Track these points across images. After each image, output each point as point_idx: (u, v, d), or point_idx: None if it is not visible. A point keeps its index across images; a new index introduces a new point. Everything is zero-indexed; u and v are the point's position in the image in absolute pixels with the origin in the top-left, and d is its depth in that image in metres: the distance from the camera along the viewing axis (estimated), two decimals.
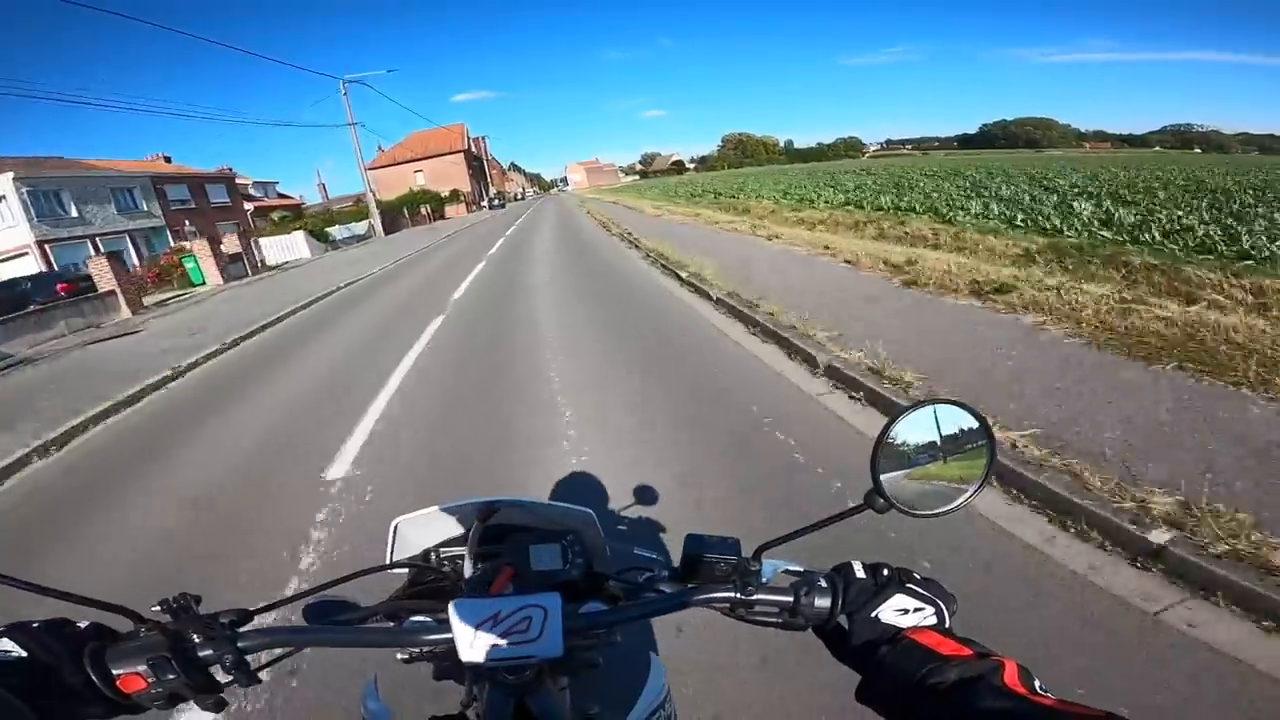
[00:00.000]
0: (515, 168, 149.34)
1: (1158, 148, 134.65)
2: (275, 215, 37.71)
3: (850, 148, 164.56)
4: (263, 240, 25.41)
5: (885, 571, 0.63)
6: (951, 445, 0.60)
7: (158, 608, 0.59)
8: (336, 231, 31.66)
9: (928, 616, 0.60)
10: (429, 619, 0.71)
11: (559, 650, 0.60)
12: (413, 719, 0.81)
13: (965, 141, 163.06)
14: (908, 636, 0.57)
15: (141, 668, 0.54)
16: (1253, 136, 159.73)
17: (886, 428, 0.59)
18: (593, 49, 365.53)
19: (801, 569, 0.68)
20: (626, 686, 0.81)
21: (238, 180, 38.73)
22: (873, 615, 0.60)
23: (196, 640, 0.58)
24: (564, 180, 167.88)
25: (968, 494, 0.60)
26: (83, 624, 0.57)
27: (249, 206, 37.93)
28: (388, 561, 0.82)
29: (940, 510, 0.61)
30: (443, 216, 49.46)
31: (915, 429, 0.60)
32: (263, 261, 22.54)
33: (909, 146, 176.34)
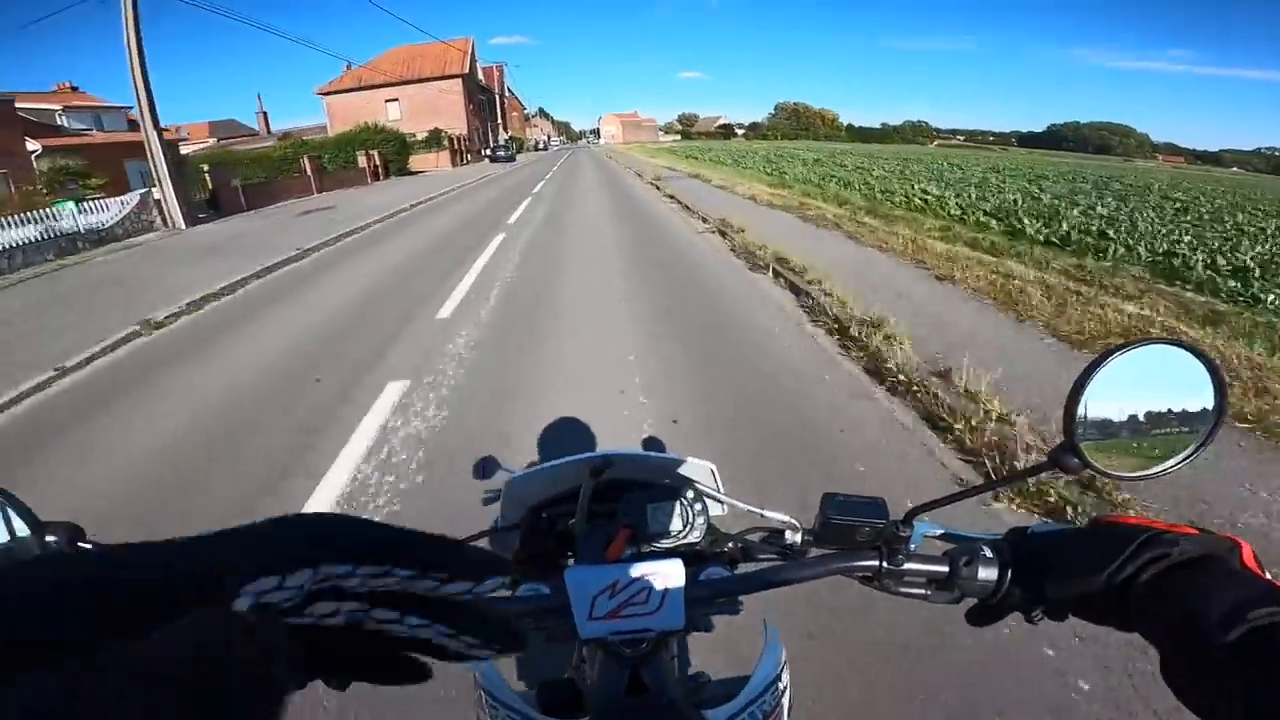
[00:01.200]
0: (543, 114, 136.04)
1: (1235, 169, 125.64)
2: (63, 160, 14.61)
3: (919, 133, 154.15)
4: None
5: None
6: (1168, 394, 0.50)
7: None
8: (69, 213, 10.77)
9: None
10: (543, 586, 0.66)
11: (680, 623, 0.58)
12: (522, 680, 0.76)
13: (1028, 140, 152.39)
14: (1111, 520, 0.50)
15: None
16: None
17: (1087, 373, 0.47)
18: (635, 3, 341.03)
19: (950, 531, 0.61)
20: (735, 648, 0.86)
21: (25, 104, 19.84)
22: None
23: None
24: (595, 133, 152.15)
25: (1184, 454, 0.49)
26: None
27: (35, 146, 17.32)
28: (499, 521, 0.81)
29: (1147, 473, 0.51)
30: (406, 171, 30.55)
31: (1123, 375, 0.48)
32: None
33: (960, 138, 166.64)
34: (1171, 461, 0.50)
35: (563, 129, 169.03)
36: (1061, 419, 0.48)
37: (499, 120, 60.28)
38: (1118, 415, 0.50)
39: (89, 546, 0.48)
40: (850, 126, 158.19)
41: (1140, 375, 0.49)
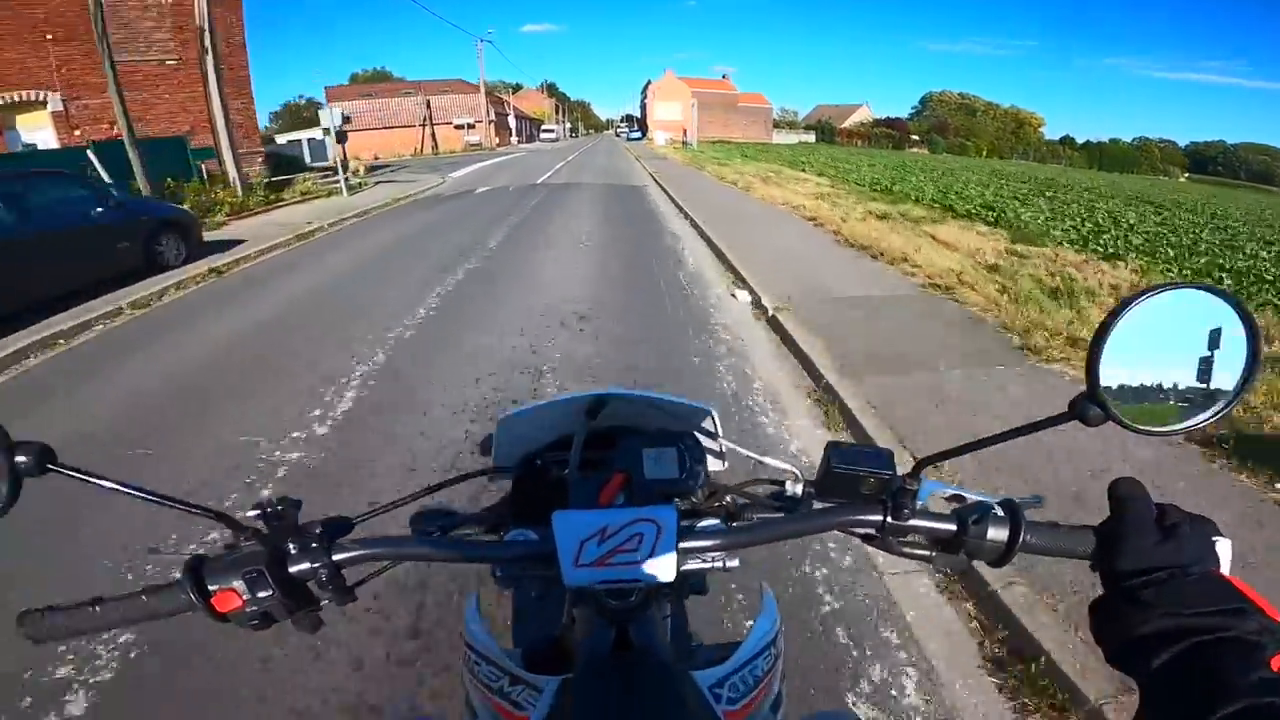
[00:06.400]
0: (550, 91, 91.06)
1: None
2: None
3: (1168, 160, 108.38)
4: None
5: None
6: (1195, 343, 0.47)
7: (253, 513, 0.56)
8: None
9: None
10: (531, 532, 0.64)
11: (670, 574, 0.55)
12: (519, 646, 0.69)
13: (1098, 160, 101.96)
14: (1212, 573, 0.47)
15: (237, 583, 0.52)
16: None
17: (1111, 318, 0.45)
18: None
19: (959, 490, 0.58)
20: (730, 614, 0.75)
21: None
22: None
23: (293, 551, 0.55)
24: (630, 120, 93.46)
25: (1213, 409, 0.47)
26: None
27: None
28: (491, 466, 0.79)
29: (1174, 428, 0.49)
30: None
31: (1150, 323, 0.45)
32: None
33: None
34: (1200, 417, 0.48)
35: (575, 110, 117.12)
36: (1085, 369, 0.46)
37: None
38: (1144, 365, 0.47)
39: (62, 469, 0.48)
40: (1067, 140, 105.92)
41: (1169, 324, 0.46)
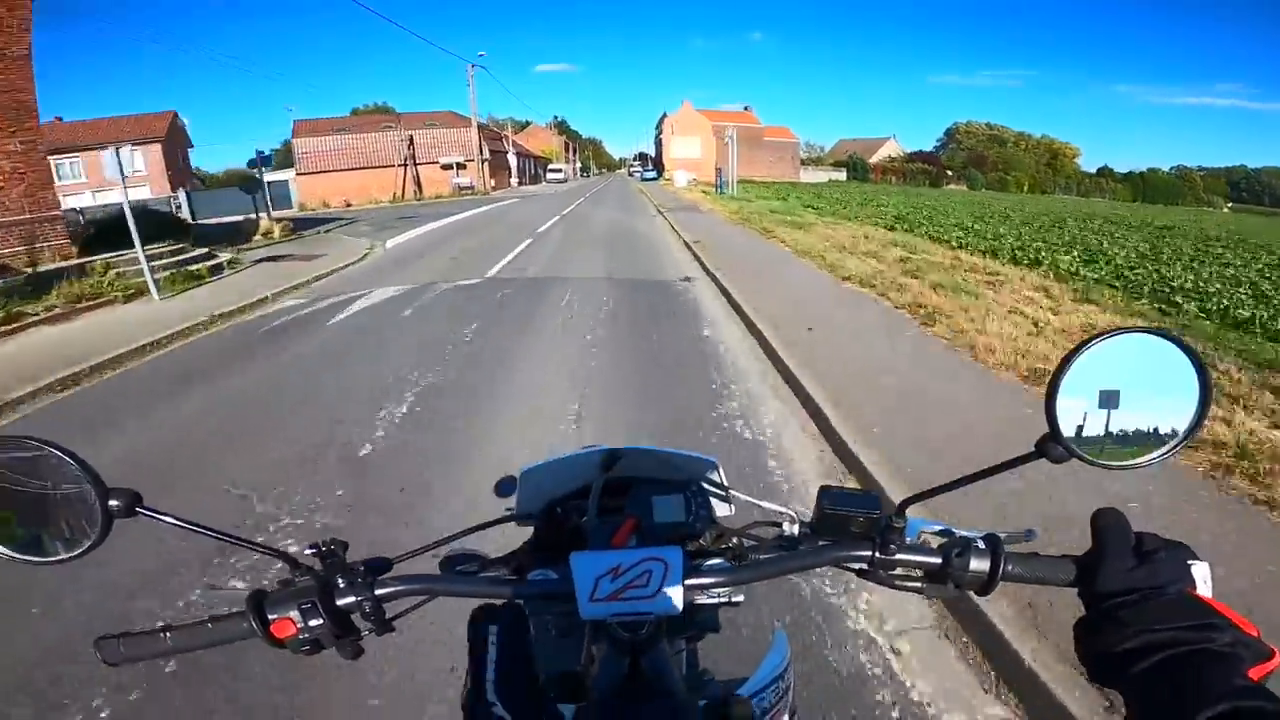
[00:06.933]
0: (560, 128, 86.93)
1: None
2: None
3: (1210, 189, 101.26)
4: None
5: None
6: (1151, 385, 0.51)
7: (310, 551, 0.62)
8: None
9: None
10: (551, 572, 0.69)
11: (678, 606, 0.60)
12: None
13: (1141, 191, 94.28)
14: (1188, 592, 0.50)
15: (293, 613, 0.58)
16: None
17: (1067, 360, 0.50)
18: (680, 36, 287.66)
19: (947, 527, 0.63)
20: (746, 655, 0.77)
21: None
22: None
23: (341, 586, 0.60)
24: (644, 159, 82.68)
25: (1170, 445, 0.51)
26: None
27: None
28: (517, 509, 0.85)
29: (1132, 463, 0.53)
30: None
31: (1104, 364, 0.50)
32: None
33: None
34: (1156, 453, 0.51)
35: (586, 149, 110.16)
36: (1044, 408, 0.49)
37: None
38: (1101, 405, 0.50)
39: (147, 511, 0.53)
40: (1105, 171, 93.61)
41: (1123, 365, 0.50)
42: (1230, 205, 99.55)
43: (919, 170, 77.37)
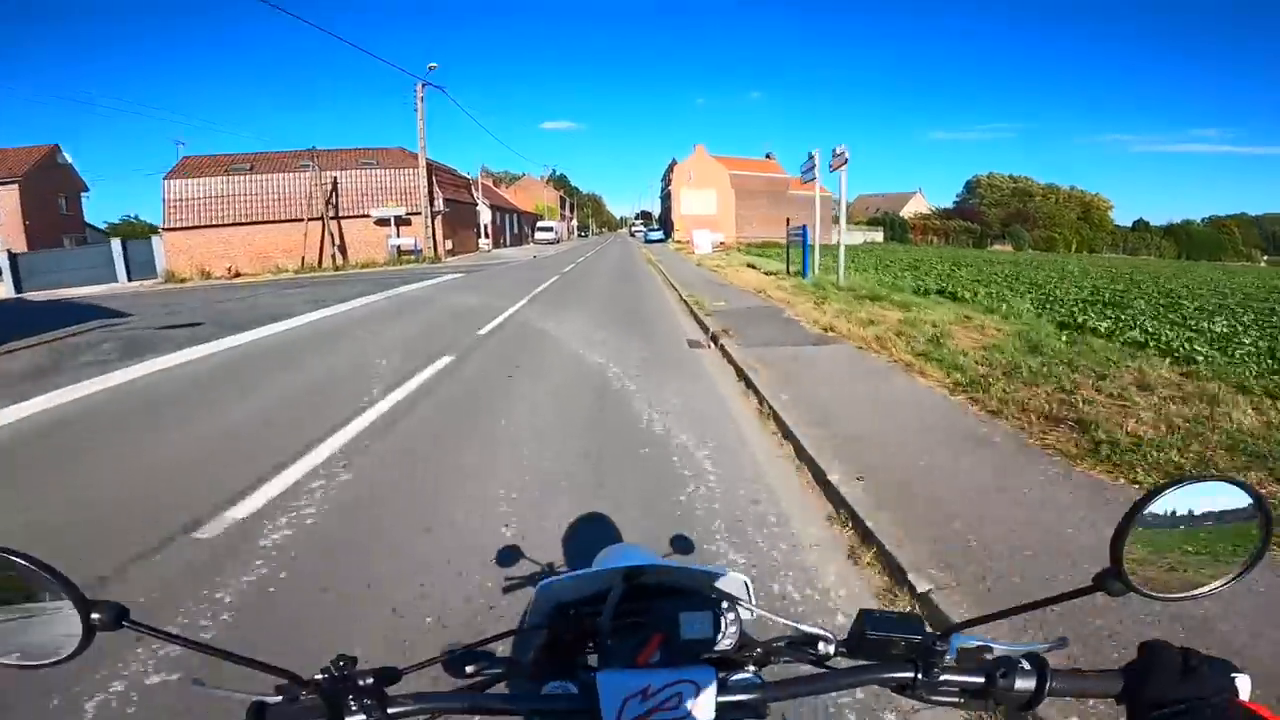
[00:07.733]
0: (558, 183, 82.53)
1: None
2: None
3: (1248, 242, 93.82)
4: None
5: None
6: (1213, 525, 0.53)
7: (320, 676, 0.59)
8: None
9: None
10: (573, 685, 0.67)
11: None
12: None
13: (1185, 247, 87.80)
14: (1233, 700, 0.51)
15: None
16: None
17: (1141, 504, 0.52)
18: (685, 92, 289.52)
19: (986, 643, 0.62)
20: None
21: None
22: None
23: (351, 705, 0.58)
24: (646, 216, 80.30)
25: (1225, 578, 0.53)
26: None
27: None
28: (526, 621, 0.82)
29: (1186, 595, 0.55)
30: None
31: (1174, 505, 0.52)
32: None
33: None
34: (1212, 585, 0.52)
35: (587, 206, 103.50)
36: (1110, 545, 0.51)
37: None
38: (1165, 540, 0.52)
39: (133, 624, 0.51)
40: (1141, 224, 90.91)
41: (1191, 505, 0.52)
42: (1266, 259, 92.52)
43: (961, 229, 68.40)
